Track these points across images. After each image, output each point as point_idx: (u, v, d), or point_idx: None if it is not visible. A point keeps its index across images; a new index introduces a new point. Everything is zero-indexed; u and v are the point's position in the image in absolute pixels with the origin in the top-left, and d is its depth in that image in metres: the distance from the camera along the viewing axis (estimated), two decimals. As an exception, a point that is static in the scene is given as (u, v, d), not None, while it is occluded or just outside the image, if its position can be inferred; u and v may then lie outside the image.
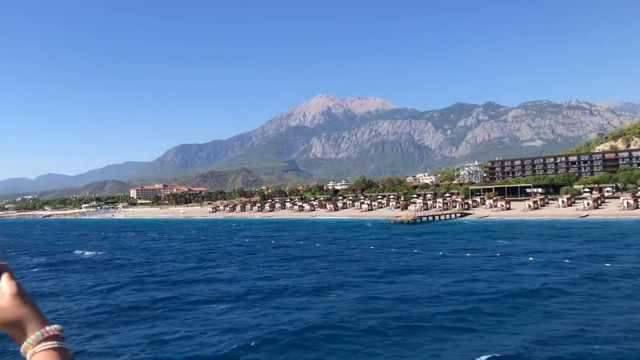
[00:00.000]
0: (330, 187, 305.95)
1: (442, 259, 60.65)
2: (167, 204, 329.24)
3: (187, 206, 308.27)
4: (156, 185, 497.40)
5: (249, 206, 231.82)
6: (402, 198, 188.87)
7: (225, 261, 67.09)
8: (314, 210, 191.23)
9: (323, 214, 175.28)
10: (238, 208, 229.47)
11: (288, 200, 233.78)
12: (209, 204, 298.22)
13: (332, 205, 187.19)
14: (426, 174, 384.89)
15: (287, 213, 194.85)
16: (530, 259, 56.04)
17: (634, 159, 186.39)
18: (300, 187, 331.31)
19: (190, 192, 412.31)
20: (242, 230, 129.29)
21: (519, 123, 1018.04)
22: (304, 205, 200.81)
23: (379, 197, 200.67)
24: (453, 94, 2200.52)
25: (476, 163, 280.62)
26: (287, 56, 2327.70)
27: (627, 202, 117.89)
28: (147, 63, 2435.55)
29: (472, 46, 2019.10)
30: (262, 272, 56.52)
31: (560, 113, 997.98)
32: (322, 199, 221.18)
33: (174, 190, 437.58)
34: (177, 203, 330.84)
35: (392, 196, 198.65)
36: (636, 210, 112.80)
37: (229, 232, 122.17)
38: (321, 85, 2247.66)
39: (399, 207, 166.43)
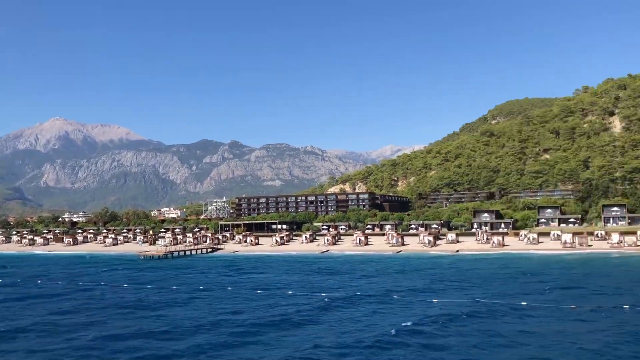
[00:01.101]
0: (67, 219, 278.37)
1: (201, 293, 60.73)
2: None
3: None
4: None
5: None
6: (151, 232, 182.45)
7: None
8: (48, 244, 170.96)
9: (60, 249, 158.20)
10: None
11: (14, 232, 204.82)
12: None
13: (70, 239, 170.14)
14: (171, 208, 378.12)
15: (15, 247, 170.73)
16: (290, 292, 59.81)
17: (360, 200, 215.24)
18: (29, 218, 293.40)
19: None
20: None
21: (261, 163, 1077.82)
22: (35, 238, 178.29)
23: (124, 230, 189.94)
24: (200, 131, 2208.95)
25: (223, 199, 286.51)
26: (17, 69, 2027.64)
27: (359, 239, 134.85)
28: None
29: (217, 88, 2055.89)
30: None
31: (297, 157, 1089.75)
32: (57, 231, 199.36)
33: None
34: None
35: (138, 230, 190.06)
36: (366, 247, 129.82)
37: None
38: (58, 107, 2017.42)
39: (147, 242, 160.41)
